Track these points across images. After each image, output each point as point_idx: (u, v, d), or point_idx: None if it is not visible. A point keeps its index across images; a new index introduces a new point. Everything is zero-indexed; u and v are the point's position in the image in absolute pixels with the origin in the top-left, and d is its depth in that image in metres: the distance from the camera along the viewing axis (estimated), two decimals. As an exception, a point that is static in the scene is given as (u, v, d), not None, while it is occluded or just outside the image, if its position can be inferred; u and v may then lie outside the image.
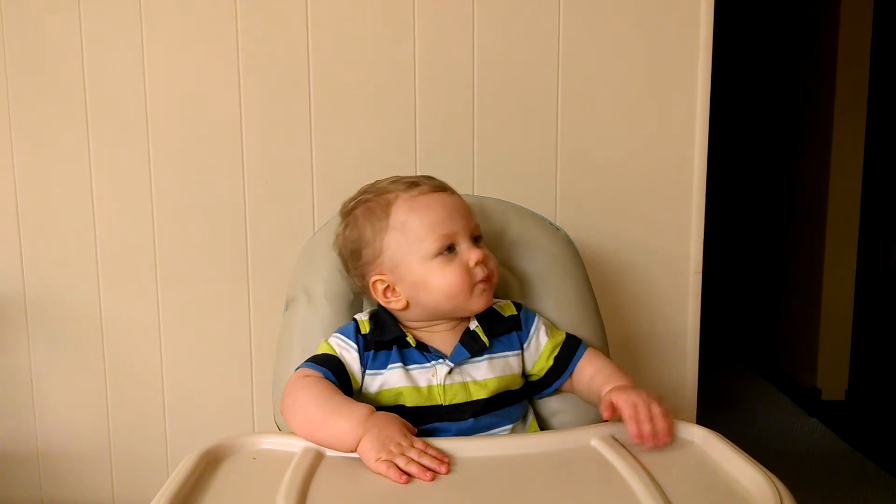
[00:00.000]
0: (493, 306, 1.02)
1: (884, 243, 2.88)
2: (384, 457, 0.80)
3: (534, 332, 1.02)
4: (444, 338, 0.98)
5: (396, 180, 1.00)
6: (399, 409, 0.93)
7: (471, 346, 0.97)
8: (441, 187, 0.99)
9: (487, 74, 1.41)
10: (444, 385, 0.95)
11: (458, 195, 1.01)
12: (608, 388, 0.96)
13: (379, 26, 1.40)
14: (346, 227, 1.01)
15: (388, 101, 1.41)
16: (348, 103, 1.41)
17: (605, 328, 1.16)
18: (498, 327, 1.01)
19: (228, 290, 1.46)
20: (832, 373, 2.77)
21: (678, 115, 1.45)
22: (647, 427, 0.86)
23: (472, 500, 0.76)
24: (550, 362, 1.02)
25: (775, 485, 0.75)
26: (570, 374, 1.02)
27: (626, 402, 0.89)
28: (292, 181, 1.43)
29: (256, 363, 1.48)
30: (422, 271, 0.95)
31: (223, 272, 1.45)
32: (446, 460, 0.82)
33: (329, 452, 0.86)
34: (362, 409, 0.87)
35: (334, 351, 0.96)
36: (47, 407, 1.50)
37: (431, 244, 0.94)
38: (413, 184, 0.98)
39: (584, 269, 1.19)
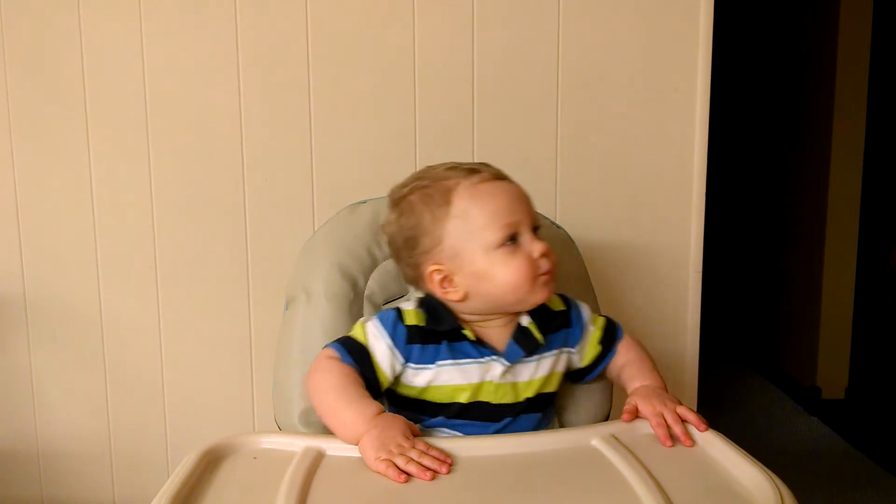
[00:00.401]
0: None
1: (883, 242, 2.88)
2: (383, 456, 0.79)
3: (585, 330, 1.00)
4: (497, 333, 0.95)
5: (454, 167, 0.95)
6: (450, 407, 0.92)
7: (525, 344, 0.94)
8: (500, 175, 0.95)
9: (487, 73, 1.41)
10: (496, 383, 0.92)
11: (517, 184, 0.96)
12: (634, 385, 0.96)
13: (379, 25, 1.40)
14: (399, 213, 0.96)
15: (387, 99, 1.41)
16: (348, 101, 1.41)
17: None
18: (550, 324, 0.97)
19: (228, 290, 1.46)
20: (832, 371, 2.77)
21: (678, 113, 1.45)
22: (678, 429, 0.87)
23: (472, 499, 0.76)
24: (598, 349, 1.01)
25: (776, 484, 0.75)
26: (611, 360, 1.01)
27: (651, 413, 0.89)
28: (292, 180, 1.43)
29: (256, 362, 1.48)
30: (484, 262, 0.90)
31: (223, 271, 1.45)
32: (448, 461, 0.80)
33: (330, 452, 0.86)
34: (371, 406, 0.86)
35: (366, 339, 0.92)
36: (47, 406, 1.50)
37: (495, 234, 0.90)
38: (473, 170, 0.93)
39: (584, 267, 1.19)
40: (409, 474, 0.78)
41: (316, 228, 1.30)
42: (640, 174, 1.46)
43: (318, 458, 0.84)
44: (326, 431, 1.02)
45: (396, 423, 0.84)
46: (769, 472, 0.77)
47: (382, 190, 1.22)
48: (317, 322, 1.07)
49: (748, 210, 3.44)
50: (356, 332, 0.94)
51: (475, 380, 0.92)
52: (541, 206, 1.25)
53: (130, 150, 1.42)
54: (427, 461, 0.79)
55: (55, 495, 1.52)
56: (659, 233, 1.48)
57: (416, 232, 0.94)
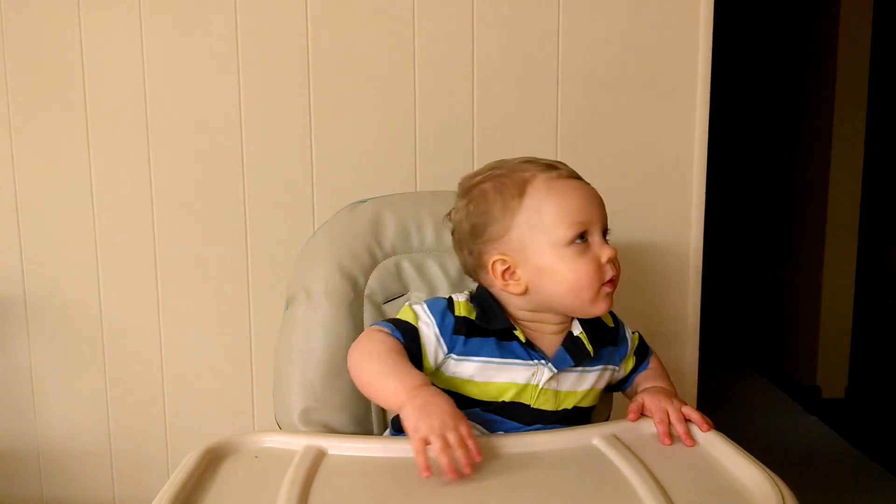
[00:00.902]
0: None
1: (883, 242, 2.88)
2: (423, 430, 0.77)
3: (629, 348, 1.01)
4: (547, 339, 0.94)
5: (531, 160, 0.94)
6: (491, 404, 0.91)
7: (574, 354, 0.92)
8: (576, 175, 0.94)
9: (487, 72, 1.41)
10: (540, 388, 0.91)
11: (592, 186, 0.95)
12: (646, 386, 0.97)
13: (379, 24, 1.40)
14: (469, 201, 0.94)
15: (387, 99, 1.41)
16: (348, 101, 1.41)
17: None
18: (601, 337, 0.96)
19: (229, 289, 1.46)
20: (832, 371, 2.77)
21: (678, 111, 1.45)
22: (680, 428, 0.88)
23: (474, 498, 0.76)
24: (633, 360, 1.01)
25: (777, 484, 0.75)
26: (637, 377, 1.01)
27: (656, 409, 0.90)
28: (292, 179, 1.43)
29: (256, 362, 1.48)
30: (552, 257, 0.89)
31: (223, 271, 1.45)
32: (477, 460, 0.77)
33: (331, 451, 0.86)
34: (418, 376, 0.83)
35: (415, 320, 0.91)
36: (48, 406, 1.50)
37: (566, 230, 0.88)
38: (551, 166, 0.93)
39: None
40: (429, 465, 0.76)
41: (316, 228, 1.30)
42: (641, 173, 1.46)
43: (320, 456, 0.84)
44: (326, 430, 1.02)
45: (443, 397, 0.81)
46: (770, 471, 0.77)
47: (382, 189, 1.22)
48: (317, 321, 1.07)
49: (748, 210, 3.44)
50: (405, 314, 0.93)
51: (521, 381, 0.91)
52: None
53: (130, 150, 1.42)
54: (461, 453, 0.76)
55: (55, 495, 1.52)
56: (659, 232, 1.48)
57: (486, 219, 0.92)
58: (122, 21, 1.39)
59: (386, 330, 0.90)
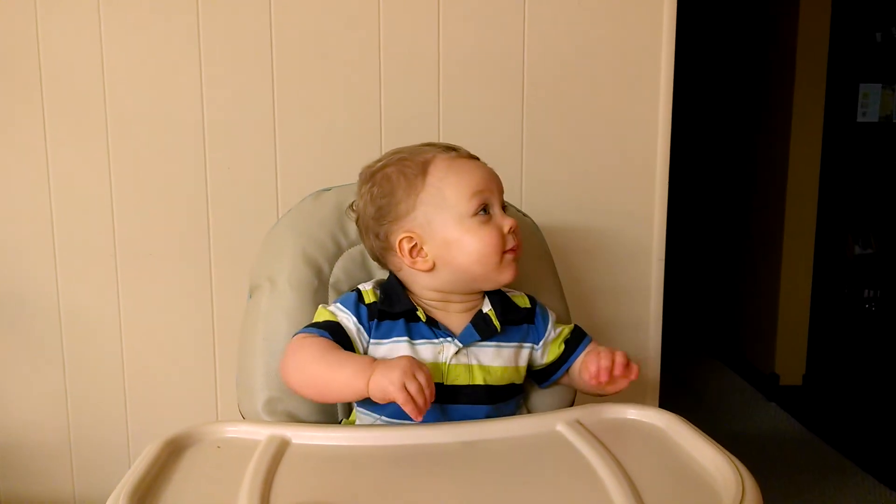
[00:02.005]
0: (507, 294, 1.02)
1: (841, 233, 2.95)
2: (396, 381, 0.81)
3: (550, 328, 1.02)
4: (456, 318, 0.97)
5: (430, 144, 1.00)
6: None
7: (482, 329, 0.96)
8: (474, 156, 1.00)
9: (453, 64, 1.41)
10: (448, 364, 0.94)
11: (489, 167, 1.00)
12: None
13: (344, 15, 1.38)
14: (372, 185, 0.98)
15: (352, 86, 1.40)
16: (312, 89, 1.40)
17: (570, 315, 1.17)
18: (511, 315, 1.00)
19: (190, 278, 1.43)
20: (790, 359, 2.84)
21: (642, 106, 1.46)
22: (605, 362, 0.92)
23: (438, 485, 0.76)
24: (561, 348, 1.02)
25: (737, 467, 0.76)
26: (573, 363, 1.02)
27: (594, 353, 0.96)
28: (255, 168, 1.41)
29: (219, 352, 1.46)
30: (457, 230, 0.94)
31: (185, 260, 1.43)
32: (427, 407, 0.83)
33: (295, 440, 0.85)
34: (365, 357, 0.90)
35: (333, 317, 0.95)
36: (5, 398, 1.46)
37: (469, 202, 0.93)
38: (450, 148, 0.98)
39: (550, 255, 1.20)
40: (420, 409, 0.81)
41: (280, 216, 1.29)
42: (605, 165, 1.47)
43: (283, 446, 0.84)
44: (291, 420, 1.01)
45: (399, 357, 0.86)
46: (731, 456, 0.79)
47: (347, 178, 1.21)
48: (281, 310, 1.06)
49: (710, 202, 3.49)
50: (321, 315, 0.96)
51: (428, 358, 0.94)
52: (507, 195, 1.25)
53: (89, 140, 1.39)
54: (429, 393, 0.82)
55: (13, 489, 1.49)
56: (623, 222, 1.49)
57: (390, 200, 0.96)
58: (80, 10, 1.35)
59: (311, 334, 0.93)
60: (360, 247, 1.12)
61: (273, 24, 1.37)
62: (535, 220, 1.22)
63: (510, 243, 0.95)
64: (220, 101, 1.39)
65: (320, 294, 1.07)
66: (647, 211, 1.49)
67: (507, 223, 0.95)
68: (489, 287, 0.98)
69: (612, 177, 1.48)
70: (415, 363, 0.84)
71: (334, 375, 0.87)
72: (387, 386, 0.82)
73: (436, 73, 1.41)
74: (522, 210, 1.25)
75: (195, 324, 1.45)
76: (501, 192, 0.98)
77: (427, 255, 0.95)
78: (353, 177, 1.22)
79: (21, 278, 1.43)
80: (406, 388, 0.81)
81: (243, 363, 1.07)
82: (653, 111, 1.46)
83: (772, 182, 2.86)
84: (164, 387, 1.47)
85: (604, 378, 0.92)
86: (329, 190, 1.16)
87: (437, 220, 0.94)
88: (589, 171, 1.47)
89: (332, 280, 1.09)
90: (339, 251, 1.11)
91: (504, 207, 0.98)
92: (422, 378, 0.82)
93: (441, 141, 1.39)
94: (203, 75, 1.38)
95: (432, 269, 0.96)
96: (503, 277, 0.96)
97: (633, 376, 0.93)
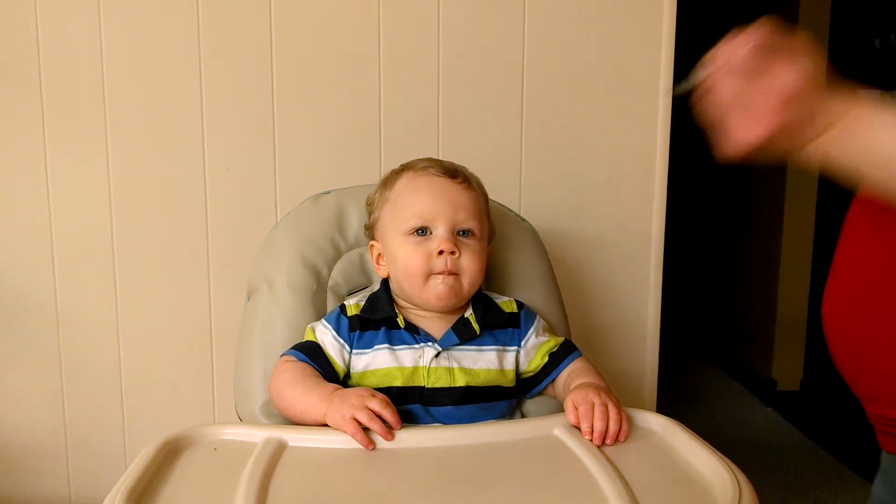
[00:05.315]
0: (494, 300, 1.03)
1: (839, 237, 2.95)
2: (348, 413, 0.84)
3: (532, 331, 1.02)
4: (437, 323, 0.99)
5: (429, 160, 1.02)
6: (387, 391, 0.91)
7: (461, 333, 0.98)
8: (451, 174, 0.99)
9: (453, 67, 1.41)
10: (429, 367, 0.95)
11: (472, 189, 0.99)
12: (574, 384, 0.95)
13: (344, 17, 1.38)
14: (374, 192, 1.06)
15: (352, 89, 1.40)
16: (312, 91, 1.40)
17: (567, 318, 1.17)
18: (493, 319, 1.01)
19: (189, 280, 1.43)
20: (787, 364, 2.84)
21: (640, 109, 1.46)
22: (599, 424, 0.85)
23: (436, 489, 0.76)
24: (545, 359, 1.02)
25: (734, 472, 0.76)
26: (558, 375, 1.01)
27: (583, 400, 0.88)
28: (254, 170, 1.41)
29: (217, 354, 1.46)
30: (395, 244, 0.97)
31: (183, 262, 1.43)
32: (396, 427, 0.85)
33: (291, 442, 0.85)
34: (328, 386, 0.91)
35: (315, 336, 0.98)
36: (1, 399, 1.46)
37: (407, 221, 0.96)
38: (427, 167, 1.00)
39: (547, 259, 1.20)
40: (370, 439, 0.83)
41: (278, 219, 1.29)
42: (604, 171, 1.47)
43: (280, 448, 0.84)
44: (287, 423, 1.01)
45: (353, 389, 0.90)
46: (727, 461, 0.79)
47: (346, 181, 1.22)
48: (279, 313, 1.06)
49: (707, 207, 3.49)
50: (307, 335, 1.00)
51: (408, 364, 0.95)
52: (506, 199, 1.26)
53: (88, 140, 1.39)
54: (388, 414, 0.84)
55: (9, 490, 1.49)
56: (621, 227, 1.49)
57: (370, 210, 1.05)
58: (81, 9, 1.35)
59: (293, 358, 0.97)
60: (359, 250, 1.12)
61: (273, 26, 1.37)
62: (534, 225, 1.22)
63: (437, 267, 0.95)
64: (220, 104, 1.39)
65: (318, 297, 1.07)
66: (646, 216, 1.49)
67: (438, 245, 0.94)
68: (425, 306, 0.98)
69: (610, 182, 1.48)
70: (367, 392, 0.87)
71: (304, 402, 0.91)
72: (338, 420, 0.85)
73: (435, 76, 1.41)
74: (521, 214, 1.25)
75: (193, 326, 1.45)
76: (456, 214, 0.96)
77: (384, 265, 1.01)
78: (353, 180, 1.23)
79: (18, 279, 1.43)
80: (356, 420, 0.83)
81: (241, 365, 1.08)
82: (652, 116, 1.46)
83: (770, 187, 2.87)
84: (161, 388, 1.47)
85: (597, 443, 0.85)
86: (328, 193, 1.16)
87: (389, 233, 0.99)
88: (588, 176, 1.47)
89: (330, 283, 1.09)
90: (337, 254, 1.11)
91: (465, 233, 0.96)
92: (375, 405, 0.84)
93: (441, 143, 1.42)
94: (203, 78, 1.38)
95: (388, 276, 1.01)
96: (429, 296, 0.96)
97: (621, 439, 0.86)
